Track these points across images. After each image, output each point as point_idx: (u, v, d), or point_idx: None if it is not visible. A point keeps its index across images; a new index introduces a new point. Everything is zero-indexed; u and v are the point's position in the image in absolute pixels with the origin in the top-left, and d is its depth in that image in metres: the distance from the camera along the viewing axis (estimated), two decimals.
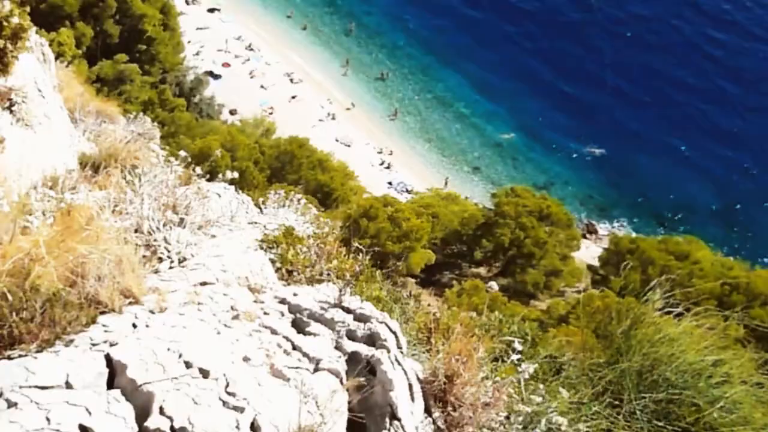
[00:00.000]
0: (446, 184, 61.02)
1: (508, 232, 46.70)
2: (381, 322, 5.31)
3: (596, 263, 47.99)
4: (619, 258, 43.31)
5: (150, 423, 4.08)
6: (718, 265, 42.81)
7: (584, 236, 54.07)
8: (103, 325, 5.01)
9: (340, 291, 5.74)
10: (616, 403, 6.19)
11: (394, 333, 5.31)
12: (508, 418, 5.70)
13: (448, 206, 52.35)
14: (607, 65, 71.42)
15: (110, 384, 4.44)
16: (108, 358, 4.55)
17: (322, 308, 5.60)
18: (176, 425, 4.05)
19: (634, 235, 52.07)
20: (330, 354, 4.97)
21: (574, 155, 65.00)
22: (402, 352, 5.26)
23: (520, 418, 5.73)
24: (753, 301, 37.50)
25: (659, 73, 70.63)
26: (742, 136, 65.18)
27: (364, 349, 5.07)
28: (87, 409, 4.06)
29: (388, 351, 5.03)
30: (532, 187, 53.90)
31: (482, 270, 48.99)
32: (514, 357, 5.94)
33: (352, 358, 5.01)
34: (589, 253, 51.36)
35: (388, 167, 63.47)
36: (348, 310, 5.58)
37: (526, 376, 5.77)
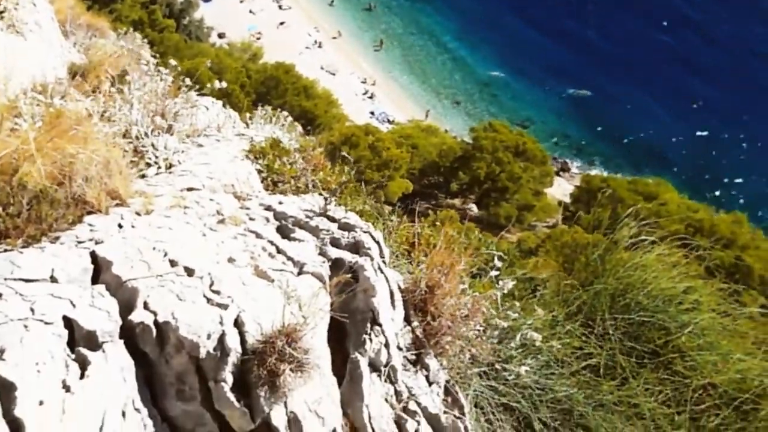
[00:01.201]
0: (427, 116, 60.77)
1: (485, 165, 46.70)
2: (365, 232, 5.23)
3: (568, 200, 48.25)
4: (590, 196, 43.55)
5: (134, 317, 4.01)
6: (684, 207, 43.08)
7: (558, 174, 54.22)
8: (89, 225, 4.91)
9: (326, 200, 5.64)
10: (589, 323, 6.19)
11: (378, 243, 5.24)
12: (484, 331, 5.68)
13: (428, 138, 52.23)
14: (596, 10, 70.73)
15: (95, 280, 4.35)
16: (93, 255, 4.46)
17: (307, 216, 5.50)
18: (160, 319, 3.97)
19: (605, 174, 52.29)
20: (314, 259, 4.89)
21: (556, 95, 64.81)
22: (384, 262, 5.19)
23: (496, 332, 5.72)
24: (715, 243, 37.84)
25: (650, 21, 70.16)
26: (721, 92, 65.18)
27: (348, 256, 4.99)
28: (71, 302, 3.97)
29: (372, 259, 4.96)
30: (510, 123, 53.76)
31: (457, 201, 49.04)
32: (493, 273, 5.90)
33: (336, 264, 4.93)
34: (561, 190, 51.58)
35: (371, 97, 63.06)
36: (333, 219, 5.49)
37: (504, 292, 5.74)
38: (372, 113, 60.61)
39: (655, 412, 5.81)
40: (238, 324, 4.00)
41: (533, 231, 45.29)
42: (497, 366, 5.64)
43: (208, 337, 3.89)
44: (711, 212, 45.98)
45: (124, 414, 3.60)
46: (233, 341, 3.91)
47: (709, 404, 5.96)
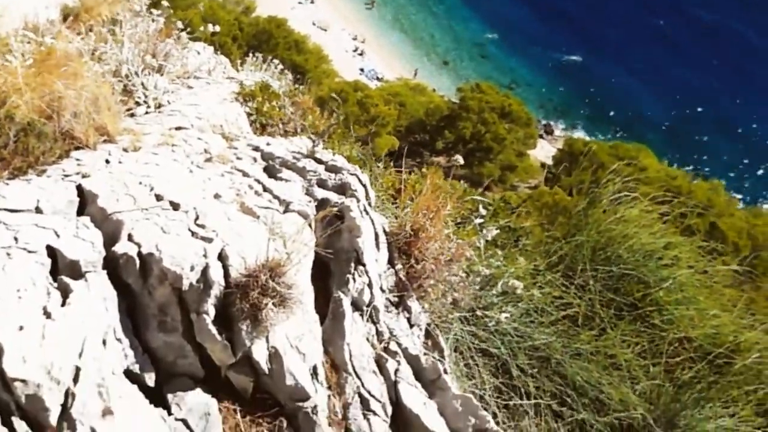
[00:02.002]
0: (415, 74, 60.27)
1: (470, 125, 46.42)
2: (352, 174, 5.13)
3: (550, 162, 48.11)
4: (572, 159, 43.42)
5: (118, 248, 3.91)
6: (663, 173, 43.08)
7: (541, 136, 53.95)
8: (77, 159, 4.82)
9: (314, 142, 5.53)
10: (570, 274, 6.13)
11: (364, 186, 5.14)
12: (467, 277, 5.62)
13: (415, 96, 51.83)
14: None
15: (80, 213, 4.27)
16: (79, 189, 4.37)
17: (295, 158, 5.40)
18: (144, 251, 3.88)
19: (588, 138, 52.12)
20: (300, 198, 4.79)
21: (545, 60, 64.41)
22: (370, 204, 5.10)
23: (478, 279, 5.65)
24: (692, 208, 37.85)
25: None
26: (708, 65, 65.07)
27: (334, 197, 4.90)
28: (55, 232, 3.88)
29: (358, 200, 4.87)
30: (497, 85, 53.41)
31: (442, 159, 48.85)
32: (477, 221, 5.82)
33: (322, 205, 4.84)
34: (544, 152, 51.36)
35: (361, 54, 62.44)
36: (320, 161, 5.39)
37: (488, 239, 5.67)
38: (361, 70, 60.06)
39: (631, 363, 5.79)
40: (221, 257, 3.91)
41: (515, 191, 45.24)
42: (478, 312, 5.58)
43: (192, 269, 3.80)
44: (689, 179, 46.05)
45: (104, 342, 3.52)
46: (216, 274, 3.82)
47: (684, 357, 5.94)
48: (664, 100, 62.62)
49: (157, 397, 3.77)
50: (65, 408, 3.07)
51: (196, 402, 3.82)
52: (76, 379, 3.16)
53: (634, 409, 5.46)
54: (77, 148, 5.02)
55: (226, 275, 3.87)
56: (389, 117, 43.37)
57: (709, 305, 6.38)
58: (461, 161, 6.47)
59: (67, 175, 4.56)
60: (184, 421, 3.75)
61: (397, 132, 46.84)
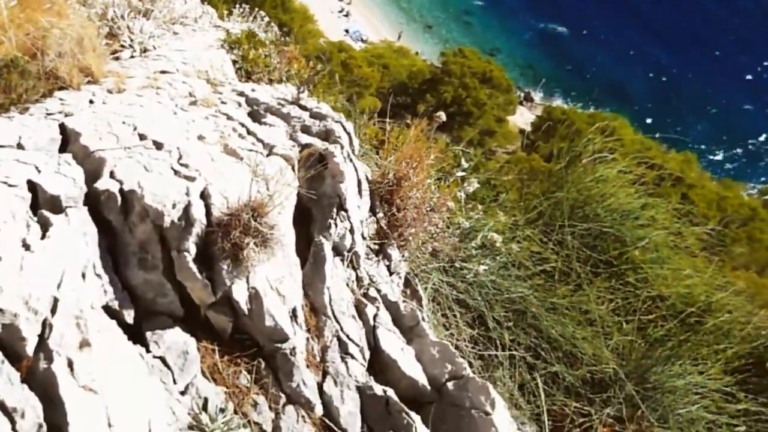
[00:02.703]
0: (399, 37, 59.83)
1: (452, 90, 46.22)
2: (336, 122, 5.03)
3: (528, 129, 48.05)
4: (550, 126, 43.38)
5: (99, 185, 3.80)
6: (638, 143, 43.16)
7: (521, 103, 53.83)
8: (60, 99, 4.69)
9: (299, 89, 5.41)
10: (548, 230, 6.09)
11: (348, 134, 5.04)
12: (447, 228, 5.56)
13: (399, 59, 51.48)
14: None
15: (62, 151, 4.14)
16: (62, 127, 4.25)
17: (280, 104, 5.28)
18: (125, 188, 3.77)
19: (566, 107, 52.05)
20: (284, 142, 4.69)
21: (528, 28, 64.11)
22: (353, 152, 5.01)
23: (458, 231, 5.59)
24: (665, 179, 38.02)
25: None
26: (689, 40, 65.01)
27: (318, 143, 4.79)
28: (36, 168, 3.77)
29: (342, 147, 4.77)
30: (480, 51, 53.10)
31: (423, 123, 48.58)
32: (459, 174, 5.75)
33: (305, 151, 4.73)
34: (523, 119, 51.29)
35: (346, 15, 61.88)
36: (304, 108, 5.28)
37: (470, 191, 5.60)
38: (346, 31, 59.53)
39: (605, 319, 5.78)
40: (204, 196, 3.81)
41: (493, 156, 45.21)
42: (457, 264, 5.53)
43: (173, 206, 3.70)
44: (663, 150, 46.14)
45: (84, 276, 3.42)
46: (198, 212, 3.73)
47: (657, 315, 5.93)
48: (641, 74, 62.65)
49: (135, 334, 3.68)
50: (42, 339, 2.99)
51: (174, 340, 3.74)
52: (53, 311, 3.07)
53: (606, 363, 5.45)
54: (61, 88, 4.88)
55: (208, 214, 3.77)
56: (372, 79, 43.08)
57: (683, 266, 6.37)
58: (444, 117, 6.36)
59: (50, 114, 4.43)
60: (162, 359, 3.67)
61: (379, 94, 46.55)
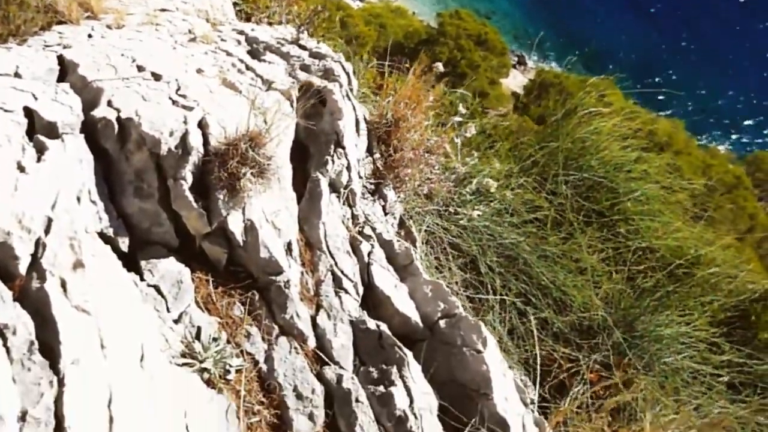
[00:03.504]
0: None
1: (447, 51, 45.80)
2: (336, 61, 4.90)
3: (521, 92, 47.78)
4: (541, 90, 43.18)
5: (96, 113, 3.69)
6: (628, 108, 43.01)
7: (514, 66, 53.43)
8: (59, 32, 4.56)
9: (298, 29, 5.27)
10: (542, 179, 6.01)
11: (347, 74, 4.92)
12: (443, 173, 5.47)
13: (396, 19, 50.85)
14: None
15: (60, 81, 4.01)
16: (60, 58, 4.12)
17: (279, 43, 5.15)
18: (123, 116, 3.65)
19: (559, 71, 51.74)
20: (283, 79, 4.57)
21: None
22: (352, 92, 4.89)
23: (453, 176, 5.49)
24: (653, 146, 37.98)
25: None
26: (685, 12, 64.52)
27: (317, 81, 4.67)
28: (33, 95, 3.64)
29: (341, 86, 4.65)
30: (476, 13, 52.65)
31: (421, 68, 48.13)
32: (456, 119, 5.64)
33: (304, 88, 4.61)
34: (515, 82, 50.88)
35: None
36: (304, 48, 5.15)
37: (468, 135, 5.50)
38: None
39: (596, 268, 5.72)
40: (202, 125, 3.70)
41: (485, 117, 45.01)
42: (451, 209, 5.45)
43: (171, 134, 3.58)
44: (651, 117, 45.97)
45: (79, 200, 3.32)
46: (196, 140, 3.62)
47: (646, 266, 5.88)
48: (637, 42, 62.21)
49: (130, 263, 3.59)
50: (35, 258, 2.89)
51: (168, 270, 3.65)
52: (47, 231, 2.97)
53: (595, 311, 5.40)
54: (60, 23, 4.75)
55: (206, 143, 3.66)
56: (369, 38, 42.76)
57: (674, 219, 6.31)
58: (441, 68, 6.23)
59: (48, 46, 4.31)
60: (157, 288, 3.58)
61: (375, 52, 46.17)
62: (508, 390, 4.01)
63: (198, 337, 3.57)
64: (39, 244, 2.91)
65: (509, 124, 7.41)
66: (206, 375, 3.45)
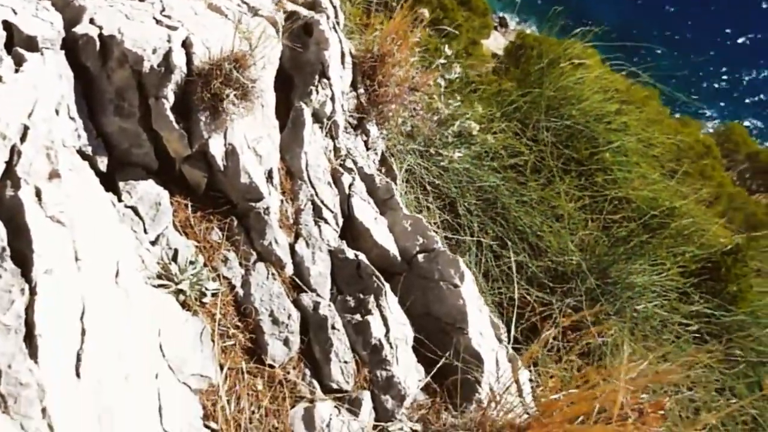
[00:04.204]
0: None
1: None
2: None
3: (501, 53, 47.55)
4: (521, 52, 42.97)
5: (78, 29, 3.52)
6: (605, 74, 43.00)
7: (495, 28, 53.24)
8: None
9: None
10: (523, 126, 5.92)
11: (334, 6, 4.76)
12: (426, 113, 5.35)
13: None
14: None
15: None
16: None
17: None
18: (105, 33, 3.49)
19: (538, 34, 51.47)
20: (270, 7, 4.40)
21: None
22: (338, 24, 4.73)
23: (437, 117, 5.38)
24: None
25: None
26: None
27: (304, 11, 4.51)
28: (13, 10, 3.45)
29: (327, 17, 4.50)
30: None
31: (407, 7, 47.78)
32: (441, 61, 5.51)
33: (291, 17, 4.46)
34: (496, 43, 50.67)
35: None
36: None
37: (452, 76, 5.37)
38: None
39: (572, 215, 5.66)
40: (185, 45, 3.54)
41: (469, 60, 44.77)
42: (432, 150, 5.34)
43: (154, 51, 3.43)
44: (627, 84, 45.92)
45: (57, 113, 3.17)
46: (179, 59, 3.46)
47: (622, 216, 5.84)
48: (619, 7, 61.68)
49: (108, 184, 3.46)
50: (10, 165, 2.74)
51: (147, 191, 3.52)
52: (23, 138, 2.82)
53: (570, 256, 5.35)
54: None
55: (189, 63, 3.51)
56: None
57: (650, 171, 6.26)
58: (427, 15, 6.07)
59: None
60: (134, 209, 3.46)
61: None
62: (483, 325, 3.95)
63: (175, 259, 3.46)
64: (14, 152, 2.77)
65: (493, 68, 7.26)
66: (182, 297, 3.35)
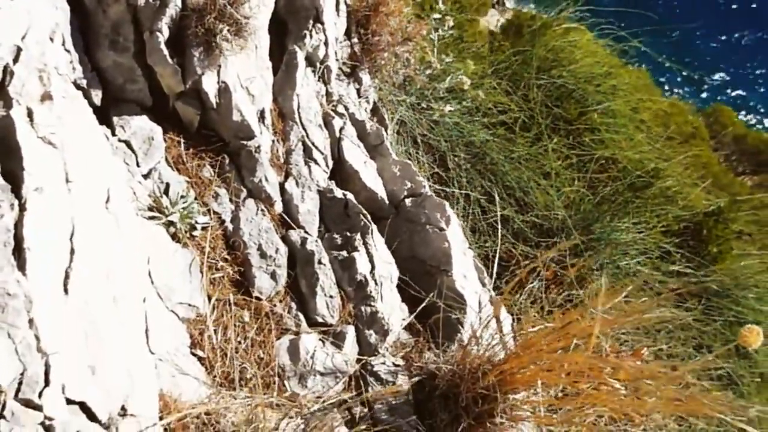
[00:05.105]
0: None
1: None
2: None
3: (497, 31, 47.30)
4: (516, 29, 42.75)
5: None
6: (596, 50, 42.88)
7: (493, 6, 52.91)
8: None
9: None
10: (514, 84, 5.88)
11: None
12: (418, 67, 5.31)
13: None
14: None
15: None
16: None
17: None
18: None
19: (534, 12, 51.17)
20: None
21: None
22: None
23: (429, 71, 5.34)
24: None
25: None
26: None
27: None
28: None
29: None
30: None
31: None
32: (435, 15, 5.46)
33: None
34: (493, 20, 50.40)
35: None
36: None
37: (445, 30, 5.33)
38: None
39: (559, 173, 5.64)
40: None
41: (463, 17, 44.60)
42: (423, 104, 5.31)
43: None
44: (619, 63, 45.73)
45: (52, 40, 3.12)
46: None
47: (608, 176, 5.82)
48: None
49: (102, 118, 3.42)
50: (2, 85, 2.70)
51: (140, 126, 3.49)
52: (16, 60, 2.77)
53: (555, 212, 5.34)
54: None
55: None
56: None
57: (636, 134, 6.24)
58: None
59: None
60: (127, 143, 3.43)
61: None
62: (467, 268, 3.94)
63: (166, 192, 3.44)
64: (6, 72, 2.73)
65: (486, 27, 7.21)
66: (172, 229, 3.33)
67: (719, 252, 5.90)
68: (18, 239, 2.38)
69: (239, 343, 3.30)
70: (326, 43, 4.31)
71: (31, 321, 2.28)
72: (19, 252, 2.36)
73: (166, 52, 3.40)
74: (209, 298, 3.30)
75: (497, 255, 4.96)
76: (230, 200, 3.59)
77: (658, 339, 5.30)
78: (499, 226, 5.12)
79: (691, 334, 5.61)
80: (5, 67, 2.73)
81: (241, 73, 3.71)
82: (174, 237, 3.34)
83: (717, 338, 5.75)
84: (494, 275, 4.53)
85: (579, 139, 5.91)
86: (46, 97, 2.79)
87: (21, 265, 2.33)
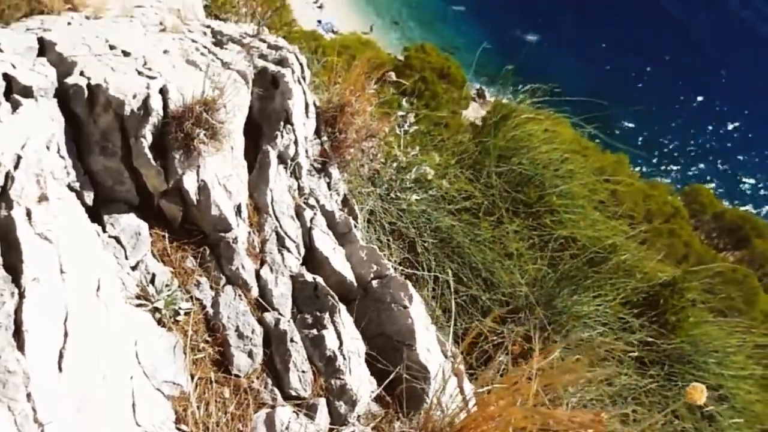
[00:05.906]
0: (371, 29, 59.57)
1: (411, 82, 46.31)
2: (291, 52, 5.10)
3: (479, 123, 48.30)
4: (498, 121, 43.73)
5: (69, 80, 3.86)
6: (576, 142, 43.71)
7: (474, 99, 54.08)
8: (41, 19, 4.74)
9: (259, 23, 5.47)
10: (476, 173, 6.25)
11: (301, 64, 5.12)
12: (385, 162, 5.68)
13: (365, 51, 51.36)
14: None
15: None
16: (40, 39, 4.27)
17: (242, 36, 5.34)
18: (92, 83, 3.83)
19: (514, 104, 52.21)
20: (241, 63, 4.76)
21: (497, 34, 63.63)
22: (304, 79, 5.09)
23: (395, 164, 5.71)
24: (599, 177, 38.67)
25: None
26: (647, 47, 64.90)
27: (272, 66, 4.87)
28: (12, 65, 3.80)
29: (293, 72, 4.85)
30: (440, 48, 53.10)
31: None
32: (400, 112, 5.88)
33: (261, 73, 4.82)
34: (474, 113, 51.55)
35: (320, 7, 61.42)
36: (264, 41, 5.34)
37: (408, 126, 5.73)
38: (319, 22, 59.03)
39: (522, 253, 5.95)
40: (162, 91, 3.87)
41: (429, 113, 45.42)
42: (392, 194, 5.66)
43: (134, 97, 3.76)
44: (598, 150, 46.62)
45: (48, 148, 3.48)
46: (156, 104, 3.80)
47: (568, 253, 6.13)
48: (590, 70, 62.37)
49: (93, 217, 3.75)
50: (4, 189, 3.04)
51: (128, 223, 3.82)
52: (16, 166, 3.12)
53: (519, 289, 5.63)
54: (42, 12, 4.92)
55: (165, 107, 3.84)
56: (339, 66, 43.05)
57: (594, 213, 6.58)
58: (393, 77, 6.46)
59: (29, 29, 4.47)
60: (117, 239, 3.75)
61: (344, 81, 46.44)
62: (430, 342, 4.21)
63: (152, 282, 3.74)
64: (8, 177, 3.07)
65: (447, 120, 7.63)
66: (158, 315, 3.62)
67: (677, 320, 6.17)
68: (18, 323, 2.67)
69: (220, 417, 3.54)
70: (296, 143, 4.69)
71: (29, 395, 2.55)
72: (18, 334, 2.65)
73: (150, 155, 3.75)
74: (192, 377, 3.55)
75: (466, 334, 5.22)
76: (210, 287, 3.89)
77: (625, 405, 5.53)
78: (466, 305, 5.41)
79: (655, 399, 5.83)
80: (7, 174, 3.07)
81: (219, 172, 4.06)
82: (159, 322, 3.62)
83: (682, 402, 5.96)
84: (463, 351, 4.79)
85: (539, 220, 6.26)
86: (43, 198, 3.13)
87: (20, 346, 2.62)
